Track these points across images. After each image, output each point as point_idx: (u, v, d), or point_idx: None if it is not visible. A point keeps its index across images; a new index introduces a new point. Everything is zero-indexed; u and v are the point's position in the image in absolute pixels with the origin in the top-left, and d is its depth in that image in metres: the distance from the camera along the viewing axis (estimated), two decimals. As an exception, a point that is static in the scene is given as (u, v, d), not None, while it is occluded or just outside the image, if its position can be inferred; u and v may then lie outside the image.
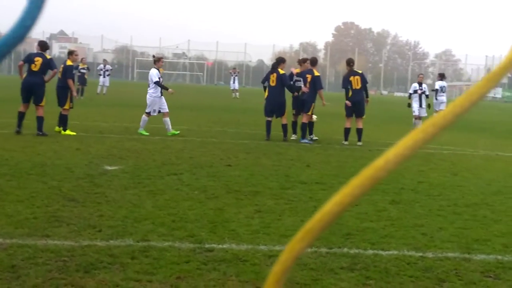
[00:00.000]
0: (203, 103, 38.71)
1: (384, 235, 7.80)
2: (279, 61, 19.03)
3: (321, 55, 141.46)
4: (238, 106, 38.22)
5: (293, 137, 18.84)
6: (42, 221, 7.60)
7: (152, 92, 18.32)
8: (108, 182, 10.30)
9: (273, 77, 18.42)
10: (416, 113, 24.12)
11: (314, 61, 19.38)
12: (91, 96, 38.11)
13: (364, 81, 18.57)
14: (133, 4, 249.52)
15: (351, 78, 18.49)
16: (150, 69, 19.20)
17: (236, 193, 10.00)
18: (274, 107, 18.38)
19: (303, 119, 18.37)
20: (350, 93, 18.36)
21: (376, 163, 0.85)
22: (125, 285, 5.61)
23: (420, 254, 7.03)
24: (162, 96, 18.43)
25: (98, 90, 43.46)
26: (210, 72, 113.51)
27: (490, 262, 6.83)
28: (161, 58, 19.98)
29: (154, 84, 18.21)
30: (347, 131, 18.44)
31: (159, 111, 18.25)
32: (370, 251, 7.06)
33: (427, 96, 24.46)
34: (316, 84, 18.34)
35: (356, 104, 18.34)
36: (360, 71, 19.04)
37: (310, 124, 18.67)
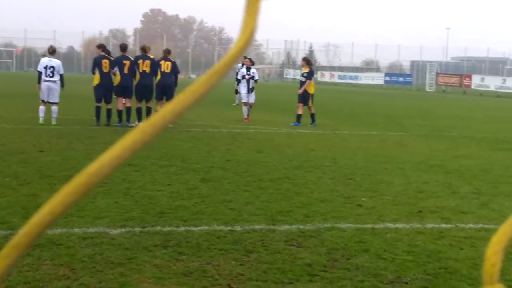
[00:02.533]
0: (13, 90, 36.92)
1: (195, 212, 7.87)
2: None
3: (130, 41, 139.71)
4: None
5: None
6: None
7: None
8: None
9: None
10: (244, 99, 22.63)
11: (123, 47, 18.99)
12: None
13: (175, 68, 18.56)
14: None
15: (162, 62, 18.40)
16: None
17: (49, 178, 9.68)
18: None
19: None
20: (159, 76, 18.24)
21: (89, 168, 0.75)
22: None
23: (229, 228, 7.18)
24: None
25: None
26: (20, 59, 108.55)
27: (293, 232, 7.11)
28: None
29: None
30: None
31: None
32: (182, 228, 7.10)
33: (255, 81, 22.86)
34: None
35: (166, 87, 18.25)
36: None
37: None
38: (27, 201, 8.09)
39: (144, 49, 18.77)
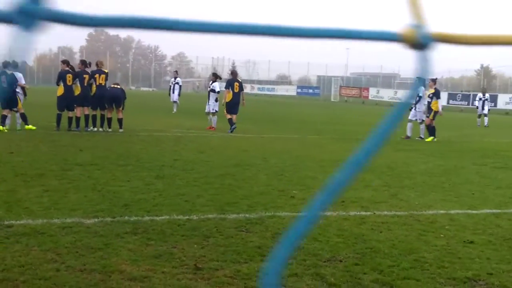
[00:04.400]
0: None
1: (156, 204, 7.86)
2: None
3: (77, 57, 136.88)
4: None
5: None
6: None
7: None
8: None
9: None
10: (207, 109, 20.85)
11: (84, 63, 18.55)
12: None
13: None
14: None
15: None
16: None
17: (23, 176, 9.44)
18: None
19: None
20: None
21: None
22: None
23: (187, 217, 7.20)
24: None
25: None
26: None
27: (241, 220, 7.20)
28: None
29: None
30: (109, 120, 18.07)
31: None
32: (147, 218, 7.09)
33: (216, 92, 20.78)
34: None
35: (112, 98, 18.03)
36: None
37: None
38: (8, 196, 7.89)
39: (98, 64, 18.48)
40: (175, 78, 30.85)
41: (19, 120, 17.16)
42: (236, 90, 19.74)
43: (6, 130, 16.47)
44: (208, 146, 15.16)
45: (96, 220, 6.90)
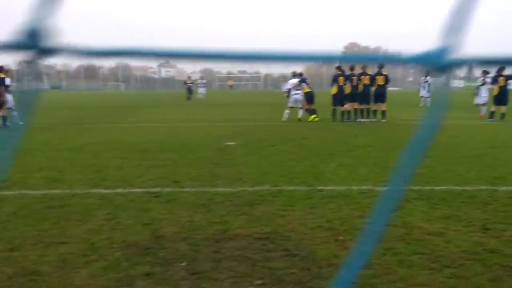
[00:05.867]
0: None
1: (430, 177, 8.09)
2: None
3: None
4: None
5: None
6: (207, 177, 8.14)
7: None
8: (232, 151, 10.83)
9: None
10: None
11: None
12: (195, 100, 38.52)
13: None
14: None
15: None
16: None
17: (319, 155, 10.32)
18: None
19: None
20: None
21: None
22: (278, 213, 6.05)
23: (461, 188, 7.33)
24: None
25: (198, 96, 42.19)
26: None
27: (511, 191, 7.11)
28: None
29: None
30: (374, 112, 18.59)
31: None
32: (427, 187, 7.37)
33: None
34: None
35: None
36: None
37: None
38: (312, 169, 8.83)
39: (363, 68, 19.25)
40: (426, 76, 29.97)
41: (301, 111, 18.67)
42: None
43: (317, 119, 18.09)
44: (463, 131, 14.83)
45: (384, 188, 7.40)
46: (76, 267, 4.31)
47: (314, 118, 18.40)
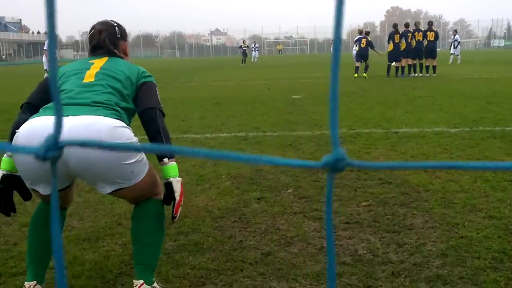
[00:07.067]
0: None
1: (499, 119, 7.92)
2: None
3: (378, 30, 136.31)
4: None
5: None
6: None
7: None
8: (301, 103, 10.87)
9: None
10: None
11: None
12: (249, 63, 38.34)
13: None
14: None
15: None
16: None
17: (384, 104, 10.26)
18: None
19: None
20: None
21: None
22: (363, 151, 6.08)
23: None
24: None
25: (252, 60, 40.04)
26: None
27: None
28: None
29: None
30: (427, 67, 18.17)
31: None
32: (498, 128, 7.23)
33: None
34: None
35: None
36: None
37: None
38: (379, 116, 8.76)
39: (416, 25, 18.71)
40: (454, 35, 29.66)
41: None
42: None
43: (365, 76, 17.89)
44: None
45: (457, 130, 7.33)
46: (194, 193, 4.51)
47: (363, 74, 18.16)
